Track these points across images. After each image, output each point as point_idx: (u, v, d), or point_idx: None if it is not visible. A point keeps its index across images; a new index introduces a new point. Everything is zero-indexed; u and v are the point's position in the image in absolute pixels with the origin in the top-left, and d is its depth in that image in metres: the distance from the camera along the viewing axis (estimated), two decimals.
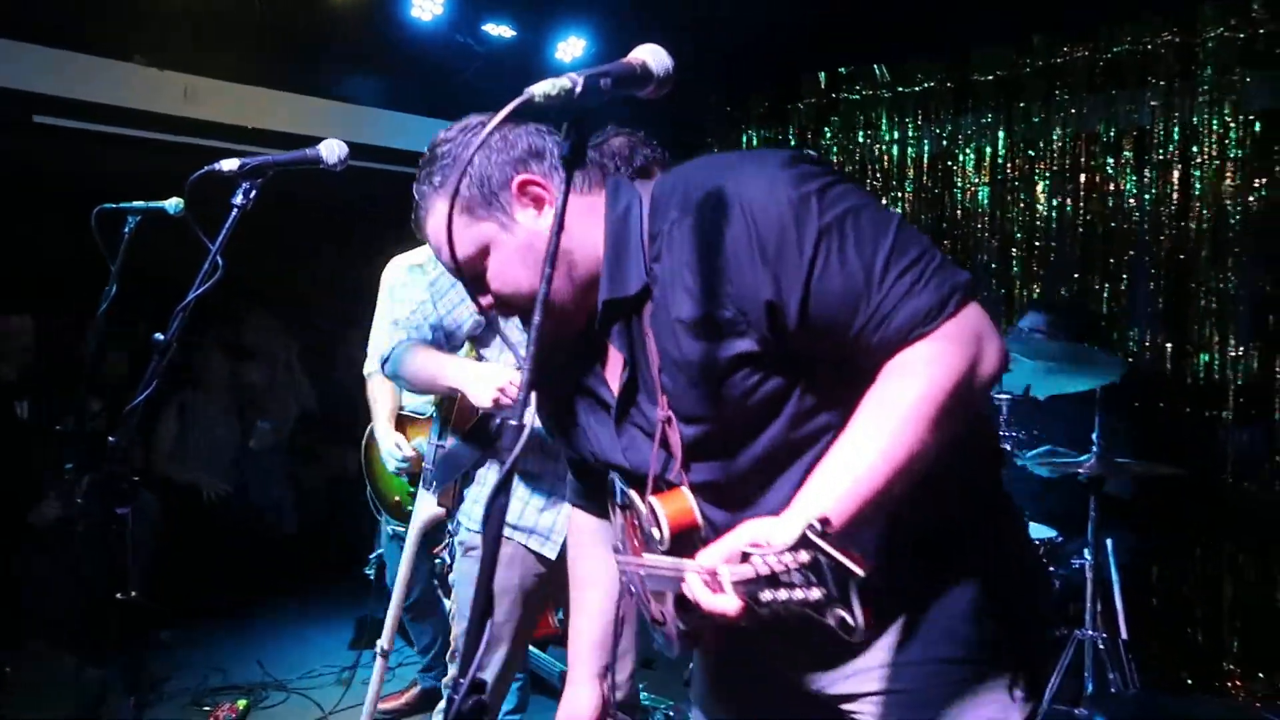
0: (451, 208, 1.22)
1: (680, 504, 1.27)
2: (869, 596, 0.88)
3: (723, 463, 1.26)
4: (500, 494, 1.00)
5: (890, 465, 1.08)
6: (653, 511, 1.26)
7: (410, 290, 2.67)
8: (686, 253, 1.19)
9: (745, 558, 0.99)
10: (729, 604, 1.02)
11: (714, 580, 1.04)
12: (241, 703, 3.71)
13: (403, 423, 3.24)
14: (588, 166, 1.32)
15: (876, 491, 1.08)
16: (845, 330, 1.15)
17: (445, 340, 2.40)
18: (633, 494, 1.34)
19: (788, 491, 1.17)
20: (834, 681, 1.36)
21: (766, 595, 0.95)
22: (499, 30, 4.73)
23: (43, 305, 4.21)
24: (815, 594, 0.90)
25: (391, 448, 3.04)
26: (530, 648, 3.37)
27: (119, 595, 1.74)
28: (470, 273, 1.30)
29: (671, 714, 3.44)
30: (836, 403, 1.20)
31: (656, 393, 1.26)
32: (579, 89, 1.03)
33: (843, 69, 5.04)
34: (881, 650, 1.31)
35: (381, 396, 3.22)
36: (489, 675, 2.35)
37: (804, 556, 0.91)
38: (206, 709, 3.70)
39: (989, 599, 1.29)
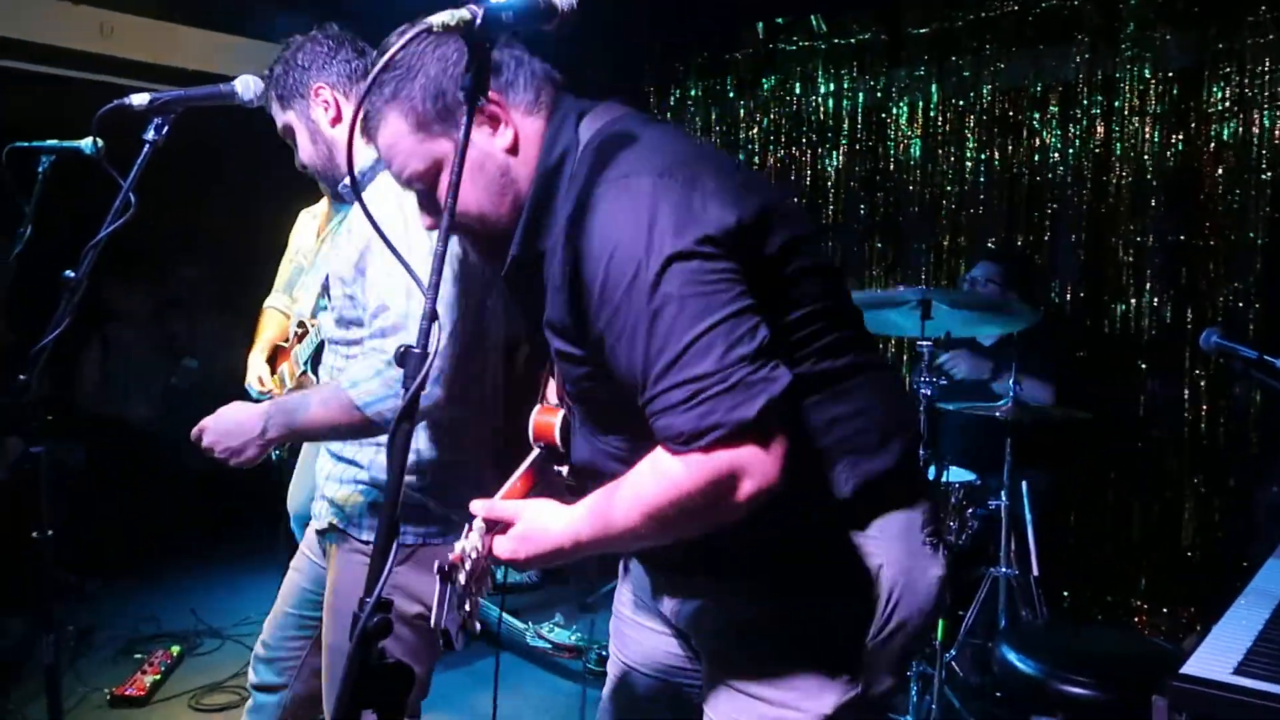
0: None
1: (548, 420, 1.42)
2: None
3: (585, 421, 1.36)
4: (404, 421, 1.02)
5: (606, 538, 1.21)
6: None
7: (300, 237, 2.66)
8: (561, 256, 1.21)
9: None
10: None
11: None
12: (175, 649, 3.70)
13: (277, 354, 3.17)
14: (541, 82, 1.30)
15: (592, 546, 1.22)
16: (634, 393, 1.18)
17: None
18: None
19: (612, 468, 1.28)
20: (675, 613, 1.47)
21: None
22: None
23: None
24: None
25: (253, 379, 2.96)
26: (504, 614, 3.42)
27: (35, 534, 1.73)
28: (421, 188, 1.30)
29: (605, 654, 3.52)
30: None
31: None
32: (479, 20, 1.04)
33: (780, 19, 5.04)
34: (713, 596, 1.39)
35: (265, 325, 3.17)
36: None
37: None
38: (138, 657, 3.68)
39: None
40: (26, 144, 2.68)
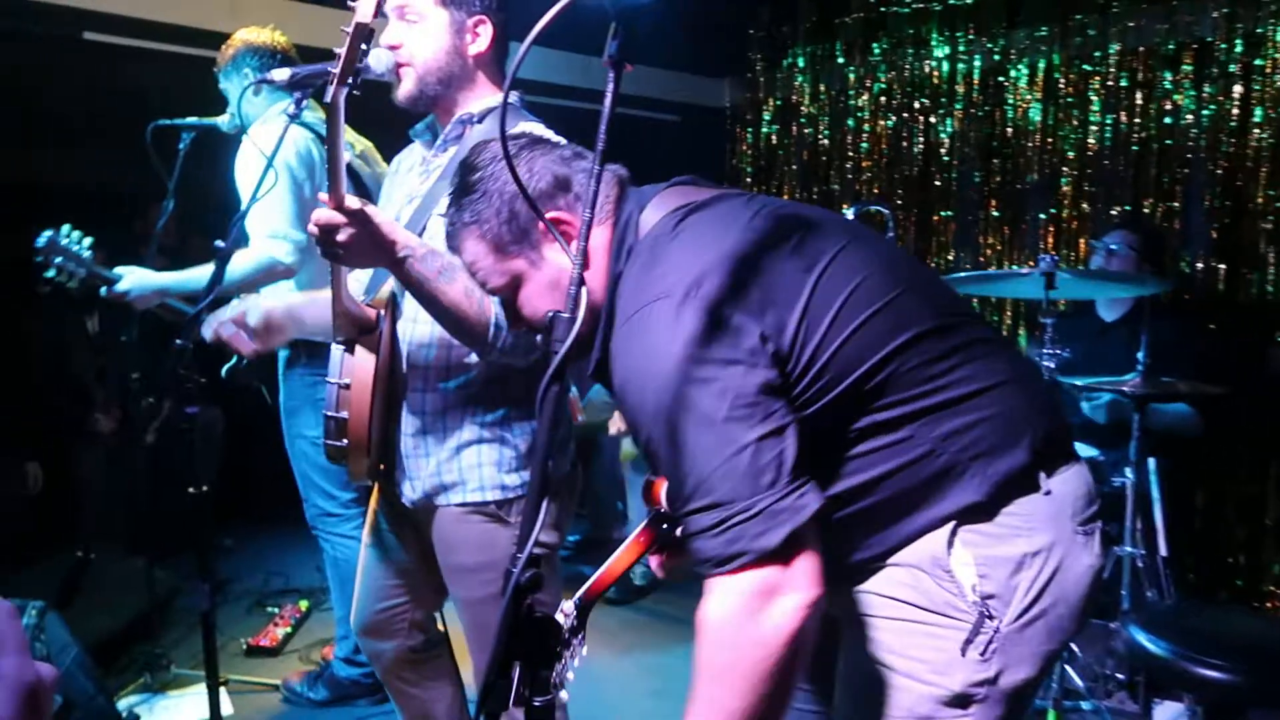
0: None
1: (661, 484, 1.41)
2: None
3: None
4: (554, 382, 1.05)
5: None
6: None
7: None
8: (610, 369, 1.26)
9: None
10: None
11: None
12: (304, 604, 3.89)
13: None
14: (607, 189, 1.36)
15: None
16: None
17: None
18: None
19: None
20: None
21: None
22: None
23: (103, 223, 4.32)
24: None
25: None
26: None
27: (191, 490, 1.83)
28: (503, 299, 1.42)
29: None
30: None
31: None
32: None
33: None
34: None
35: None
36: None
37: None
38: (271, 610, 3.89)
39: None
40: (169, 121, 2.85)
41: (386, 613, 2.11)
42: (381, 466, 1.91)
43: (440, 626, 2.23)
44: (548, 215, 1.31)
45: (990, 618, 1.26)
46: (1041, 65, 4.47)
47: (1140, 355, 3.04)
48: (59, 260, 2.62)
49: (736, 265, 1.20)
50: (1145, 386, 3.01)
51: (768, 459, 1.13)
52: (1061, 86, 4.42)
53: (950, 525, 1.27)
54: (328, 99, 1.55)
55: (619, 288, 1.28)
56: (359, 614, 2.14)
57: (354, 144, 2.96)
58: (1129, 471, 3.11)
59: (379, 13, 1.57)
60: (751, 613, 1.13)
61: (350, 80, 1.55)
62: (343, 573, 3.04)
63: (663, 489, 1.42)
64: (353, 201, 1.59)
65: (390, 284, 1.93)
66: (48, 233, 2.62)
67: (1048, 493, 1.29)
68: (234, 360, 2.01)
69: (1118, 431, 3.27)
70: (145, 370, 3.53)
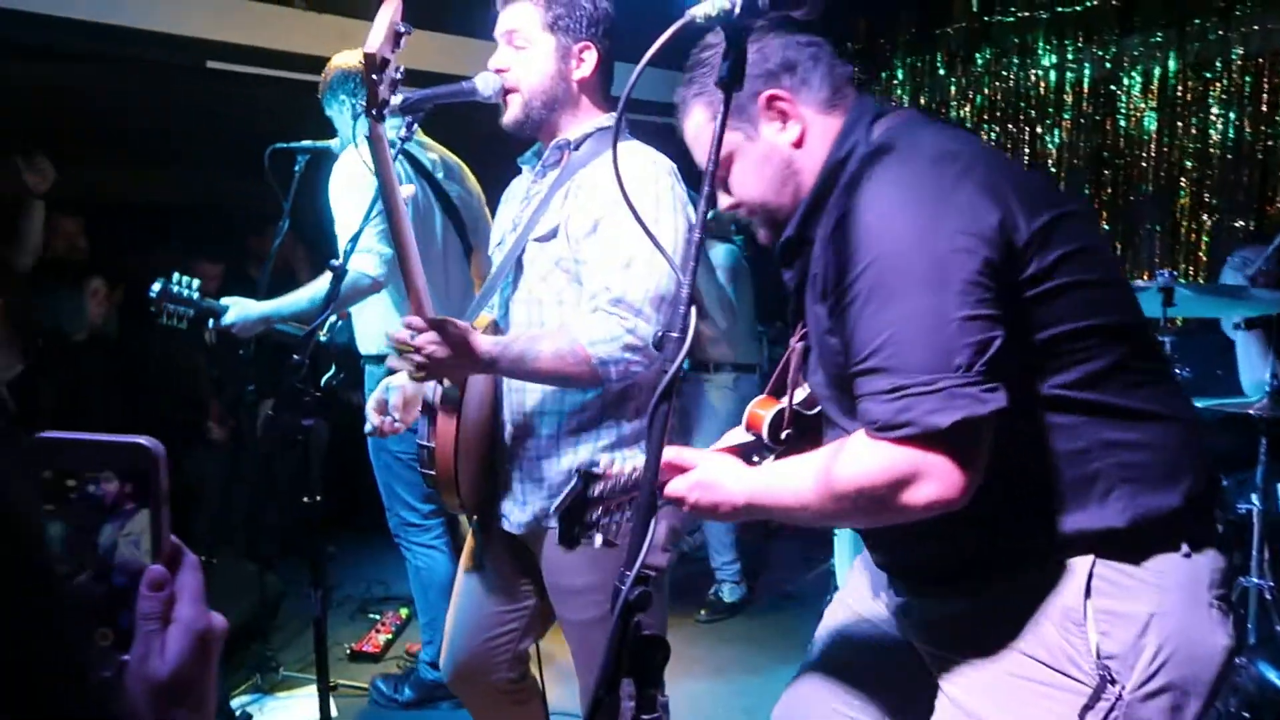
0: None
1: (762, 412, 1.46)
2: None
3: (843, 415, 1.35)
4: (664, 401, 1.05)
5: (779, 506, 1.26)
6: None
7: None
8: (829, 240, 1.23)
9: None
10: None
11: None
12: (404, 611, 3.98)
13: None
14: (839, 82, 1.35)
15: (764, 510, 1.28)
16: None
17: None
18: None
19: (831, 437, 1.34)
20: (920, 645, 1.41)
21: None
22: None
23: (224, 243, 4.53)
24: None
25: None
26: None
27: (305, 500, 1.90)
28: (716, 174, 1.38)
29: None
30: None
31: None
32: (737, 8, 1.05)
33: None
34: (964, 634, 1.30)
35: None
36: None
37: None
38: (373, 616, 3.99)
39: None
40: (286, 145, 2.97)
41: (489, 644, 2.07)
42: (461, 499, 1.91)
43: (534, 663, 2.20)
44: (768, 93, 1.32)
45: (1112, 682, 1.16)
46: (1156, 72, 4.31)
47: (1269, 375, 2.88)
48: (170, 307, 2.76)
49: (989, 159, 1.21)
50: (1274, 408, 2.85)
51: (968, 341, 1.09)
52: (1179, 93, 4.24)
53: (1089, 560, 1.19)
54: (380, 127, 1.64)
55: (841, 172, 1.27)
56: (451, 653, 2.10)
57: (437, 160, 3.02)
58: (1255, 498, 2.95)
59: (396, 44, 1.67)
60: (889, 483, 1.13)
61: (377, 112, 1.63)
62: (424, 580, 3.15)
63: (766, 418, 1.43)
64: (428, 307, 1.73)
65: (492, 311, 1.97)
66: (159, 283, 2.76)
67: (1187, 554, 1.20)
68: (331, 373, 2.07)
69: (1238, 452, 3.11)
70: (261, 382, 3.67)
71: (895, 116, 1.32)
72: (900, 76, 5.29)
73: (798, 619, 3.97)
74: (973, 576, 1.28)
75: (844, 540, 3.45)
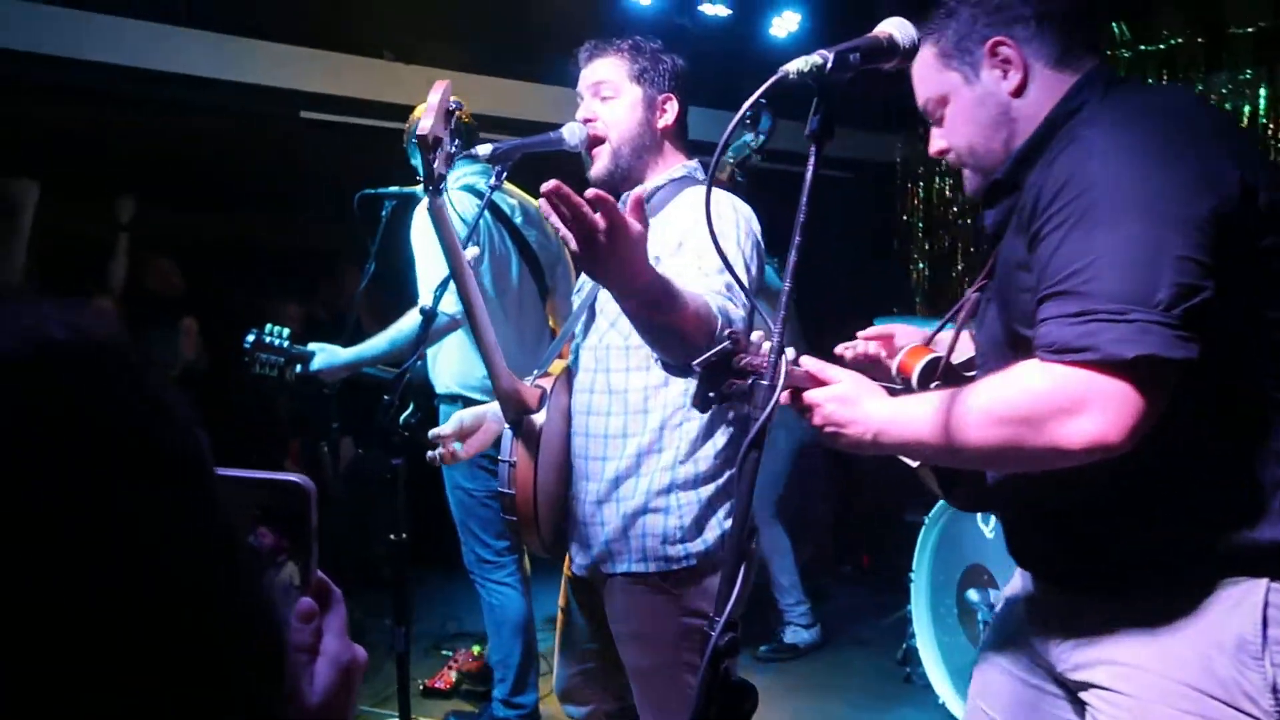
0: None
1: (913, 360, 1.44)
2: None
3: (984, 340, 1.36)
4: (753, 449, 1.07)
5: (917, 437, 1.19)
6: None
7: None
8: (1047, 177, 1.19)
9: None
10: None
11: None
12: (477, 649, 4.00)
13: None
14: (1078, 46, 1.33)
15: (903, 434, 1.20)
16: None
17: None
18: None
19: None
20: (1063, 658, 1.31)
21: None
22: (715, 10, 4.79)
23: (306, 286, 4.69)
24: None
25: None
26: None
27: (393, 536, 1.94)
28: (929, 115, 1.42)
29: None
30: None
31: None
32: (830, 64, 1.08)
33: None
34: (1113, 645, 1.22)
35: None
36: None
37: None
38: (446, 653, 4.03)
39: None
40: (374, 190, 3.08)
41: (581, 677, 2.12)
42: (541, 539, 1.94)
43: None
44: (995, 39, 1.31)
45: None
46: (1246, 110, 4.20)
47: None
48: (263, 357, 2.82)
49: (1241, 134, 1.23)
50: None
51: (1178, 280, 1.04)
52: (1271, 130, 4.13)
53: (1263, 585, 1.12)
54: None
55: (1067, 121, 1.25)
56: (559, 679, 2.17)
57: (516, 205, 3.09)
58: None
59: (448, 123, 1.77)
60: (1054, 409, 1.07)
61: (435, 187, 1.71)
62: (496, 617, 3.17)
63: (917, 366, 1.42)
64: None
65: (564, 358, 2.01)
66: (252, 334, 2.80)
67: None
68: (408, 411, 2.12)
69: None
70: (345, 421, 3.77)
71: (1137, 83, 1.35)
72: None
73: (868, 665, 3.89)
74: (1111, 571, 1.21)
75: (920, 589, 3.37)
